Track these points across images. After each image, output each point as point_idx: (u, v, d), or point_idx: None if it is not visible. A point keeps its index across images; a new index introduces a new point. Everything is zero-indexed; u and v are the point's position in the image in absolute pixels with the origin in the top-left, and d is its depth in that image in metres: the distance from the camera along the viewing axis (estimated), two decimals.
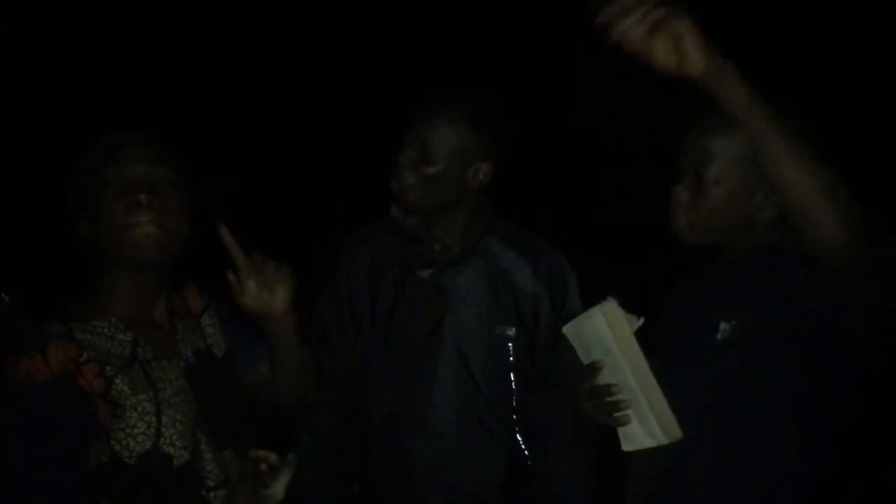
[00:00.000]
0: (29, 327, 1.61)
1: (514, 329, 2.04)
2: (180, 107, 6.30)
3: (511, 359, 2.04)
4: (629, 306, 1.60)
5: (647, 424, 1.54)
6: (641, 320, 1.61)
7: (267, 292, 1.57)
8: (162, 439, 1.50)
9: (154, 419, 1.49)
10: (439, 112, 1.98)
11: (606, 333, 1.56)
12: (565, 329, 1.64)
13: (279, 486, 1.62)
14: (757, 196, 1.64)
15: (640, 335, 1.61)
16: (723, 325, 1.65)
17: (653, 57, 1.33)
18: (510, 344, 2.03)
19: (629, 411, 1.55)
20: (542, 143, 6.29)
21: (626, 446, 1.59)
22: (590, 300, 1.70)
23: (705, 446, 1.65)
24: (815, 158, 1.36)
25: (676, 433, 1.54)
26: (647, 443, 1.55)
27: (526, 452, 2.08)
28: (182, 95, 6.53)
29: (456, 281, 2.04)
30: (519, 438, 2.09)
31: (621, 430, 1.58)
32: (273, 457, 1.65)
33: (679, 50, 1.32)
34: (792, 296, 1.52)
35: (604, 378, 1.57)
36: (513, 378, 2.05)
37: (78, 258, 1.59)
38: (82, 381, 1.45)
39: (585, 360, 1.61)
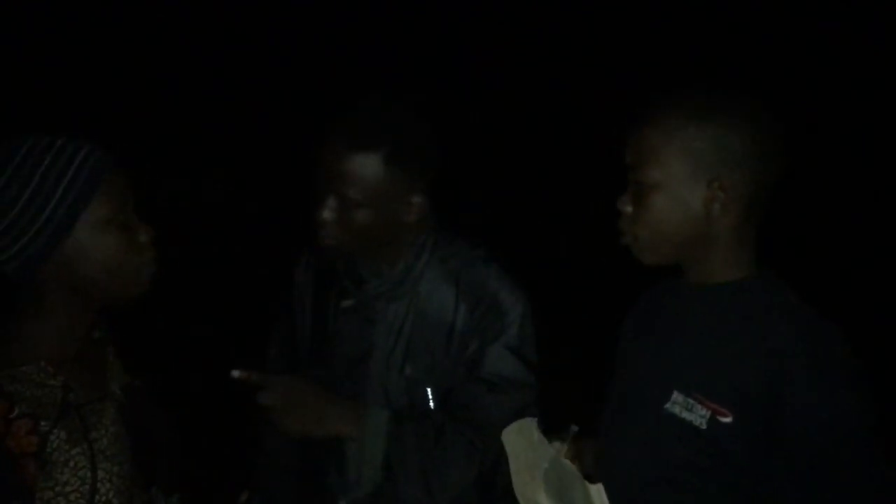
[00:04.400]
0: None
1: (433, 376, 1.81)
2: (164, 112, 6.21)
3: (431, 405, 1.81)
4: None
5: None
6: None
7: None
8: (97, 496, 1.32)
9: (88, 474, 1.31)
10: (353, 156, 1.70)
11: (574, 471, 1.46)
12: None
13: None
14: (709, 199, 1.45)
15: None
16: (675, 395, 1.46)
17: None
18: (428, 389, 1.80)
19: None
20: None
21: None
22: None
23: None
24: None
25: None
26: None
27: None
28: (167, 101, 6.43)
29: (387, 312, 1.84)
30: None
31: None
32: None
33: None
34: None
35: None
36: None
37: None
38: (10, 441, 1.25)
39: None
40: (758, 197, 1.47)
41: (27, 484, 1.27)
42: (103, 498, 1.34)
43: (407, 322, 1.83)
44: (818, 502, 1.36)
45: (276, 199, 6.44)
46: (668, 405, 1.46)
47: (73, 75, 6.21)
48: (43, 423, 1.29)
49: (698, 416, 1.42)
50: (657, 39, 6.81)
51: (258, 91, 6.84)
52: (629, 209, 1.51)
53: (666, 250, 1.51)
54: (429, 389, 1.80)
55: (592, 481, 1.47)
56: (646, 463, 1.49)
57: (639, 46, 6.91)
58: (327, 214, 1.74)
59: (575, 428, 1.48)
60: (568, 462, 1.46)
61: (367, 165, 1.70)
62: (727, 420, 1.39)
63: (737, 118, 1.44)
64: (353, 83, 6.22)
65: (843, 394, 1.36)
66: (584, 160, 6.93)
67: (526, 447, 1.45)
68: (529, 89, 7.20)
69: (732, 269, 1.49)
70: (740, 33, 6.48)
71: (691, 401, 1.44)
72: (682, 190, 1.45)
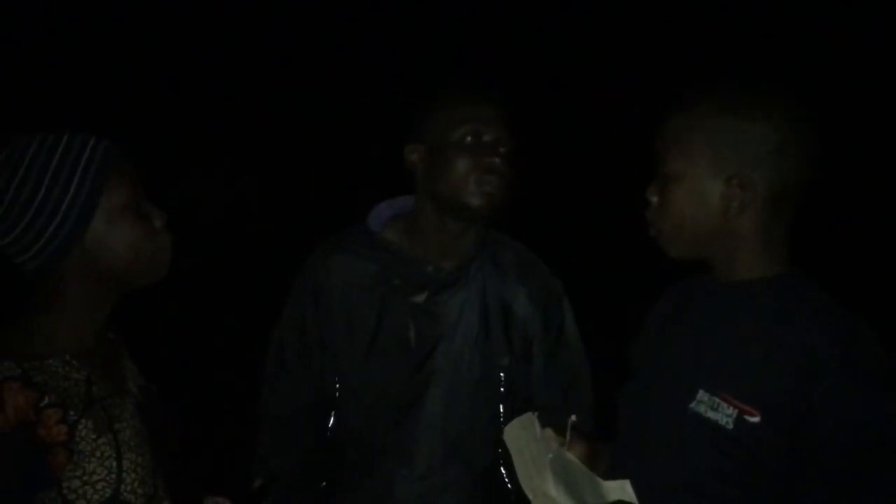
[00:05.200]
0: None
1: (507, 359, 1.87)
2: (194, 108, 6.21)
3: (502, 389, 1.87)
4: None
5: None
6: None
7: None
8: (123, 486, 1.34)
9: (115, 464, 1.34)
10: (505, 109, 1.83)
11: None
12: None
13: None
14: (727, 194, 1.41)
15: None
16: (700, 394, 1.40)
17: None
18: (502, 375, 1.86)
19: None
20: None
21: None
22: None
23: None
24: None
25: None
26: None
27: (509, 486, 1.89)
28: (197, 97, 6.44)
29: (448, 305, 1.85)
30: (503, 472, 1.90)
31: None
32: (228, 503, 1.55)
33: None
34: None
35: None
36: (502, 410, 1.88)
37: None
38: (41, 429, 1.27)
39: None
40: (784, 197, 1.43)
41: (55, 474, 1.29)
42: (129, 487, 1.35)
43: (471, 312, 1.85)
44: None
45: (305, 196, 6.44)
46: (692, 405, 1.41)
47: (106, 70, 6.21)
48: (71, 413, 1.31)
49: (724, 415, 1.36)
50: (657, 39, 6.81)
51: (286, 90, 6.83)
52: (655, 199, 1.49)
53: (686, 244, 1.48)
54: (501, 375, 1.85)
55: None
56: (667, 466, 1.43)
57: (639, 46, 6.91)
58: (502, 164, 1.81)
59: (573, 418, 1.44)
60: (569, 453, 1.43)
61: (513, 122, 1.85)
62: (755, 420, 1.34)
63: (763, 115, 1.40)
64: (373, 83, 6.24)
65: (877, 396, 1.30)
66: (586, 161, 6.94)
67: (529, 441, 1.43)
68: (531, 88, 7.19)
69: (759, 267, 1.45)
70: (742, 33, 6.49)
71: (717, 400, 1.37)
72: (701, 183, 1.42)
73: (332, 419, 1.92)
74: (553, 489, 1.38)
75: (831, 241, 5.02)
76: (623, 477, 1.35)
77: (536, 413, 1.43)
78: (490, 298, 1.87)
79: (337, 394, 1.90)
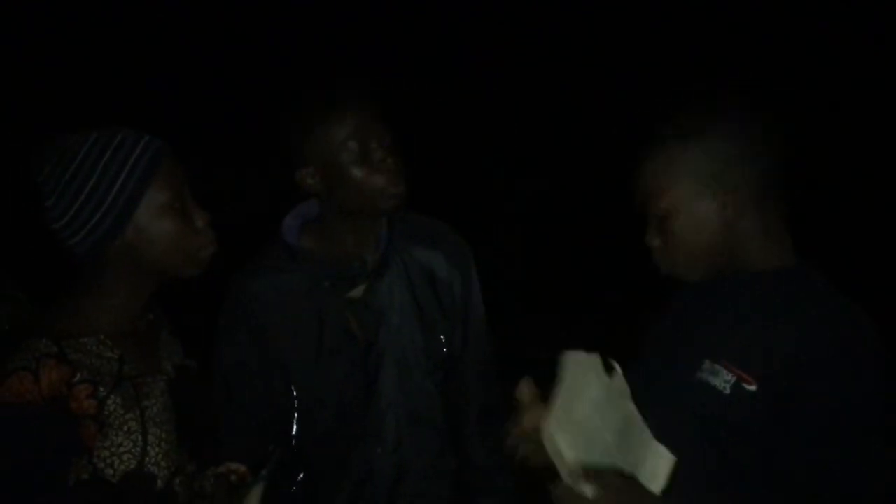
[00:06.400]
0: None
1: (442, 320, 1.99)
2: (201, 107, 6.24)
3: (444, 350, 2.00)
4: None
5: None
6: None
7: None
8: (147, 458, 1.45)
9: (140, 438, 1.44)
10: (376, 105, 1.87)
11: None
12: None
13: (252, 500, 1.60)
14: (720, 207, 1.52)
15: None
16: (706, 364, 1.52)
17: None
18: (442, 336, 1.99)
19: None
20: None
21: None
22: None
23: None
24: None
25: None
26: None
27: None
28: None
29: (380, 290, 1.94)
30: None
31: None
32: (243, 469, 1.64)
33: None
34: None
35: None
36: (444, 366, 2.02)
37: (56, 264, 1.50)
38: (73, 403, 1.37)
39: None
40: (768, 187, 1.54)
41: (87, 444, 1.39)
42: (153, 460, 1.46)
43: (401, 289, 1.96)
44: (821, 481, 1.38)
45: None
46: (698, 373, 1.52)
47: (129, 64, 6.24)
48: (101, 389, 1.42)
49: (723, 380, 1.47)
50: (657, 39, 6.86)
51: (286, 89, 6.89)
52: (657, 242, 1.60)
53: (704, 265, 1.58)
54: (442, 337, 1.99)
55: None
56: (672, 438, 1.49)
57: (639, 47, 6.96)
58: (400, 163, 1.87)
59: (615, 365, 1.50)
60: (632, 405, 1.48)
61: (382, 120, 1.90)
62: (751, 388, 1.44)
63: (722, 127, 1.53)
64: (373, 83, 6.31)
65: (862, 381, 1.38)
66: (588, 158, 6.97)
67: (587, 374, 1.46)
68: (532, 87, 7.24)
69: (766, 258, 1.55)
70: (741, 33, 6.54)
71: (718, 367, 1.49)
72: (695, 208, 1.54)
73: (294, 427, 1.95)
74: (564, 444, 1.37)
75: (839, 238, 5.07)
76: None
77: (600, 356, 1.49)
78: (413, 271, 1.98)
79: (296, 403, 1.94)
